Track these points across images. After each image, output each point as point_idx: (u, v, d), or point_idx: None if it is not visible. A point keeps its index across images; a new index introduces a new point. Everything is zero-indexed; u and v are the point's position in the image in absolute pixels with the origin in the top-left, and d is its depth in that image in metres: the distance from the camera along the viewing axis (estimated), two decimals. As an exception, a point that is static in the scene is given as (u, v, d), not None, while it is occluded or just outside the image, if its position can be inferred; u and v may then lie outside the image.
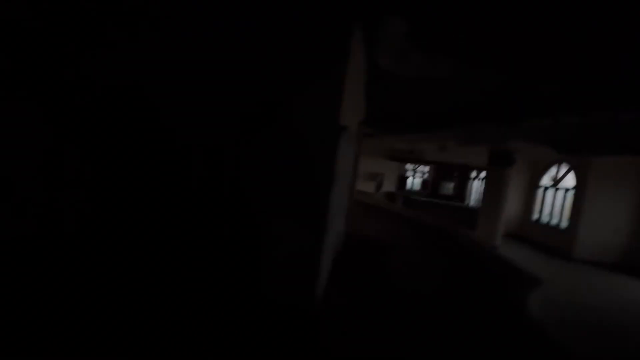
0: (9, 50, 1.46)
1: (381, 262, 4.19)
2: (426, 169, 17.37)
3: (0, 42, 1.43)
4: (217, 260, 2.08)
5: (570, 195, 9.76)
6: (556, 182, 10.66)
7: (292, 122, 1.99)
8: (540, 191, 11.37)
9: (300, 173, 2.03)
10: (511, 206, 10.91)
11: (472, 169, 14.77)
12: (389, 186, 15.60)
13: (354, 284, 3.20)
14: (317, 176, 2.04)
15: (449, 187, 16.64)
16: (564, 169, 10.33)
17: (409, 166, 17.08)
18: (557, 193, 10.57)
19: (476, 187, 15.05)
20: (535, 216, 11.35)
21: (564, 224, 9.86)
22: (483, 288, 3.79)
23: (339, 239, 4.24)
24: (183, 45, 1.89)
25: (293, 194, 2.04)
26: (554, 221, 10.39)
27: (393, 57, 3.88)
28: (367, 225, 6.80)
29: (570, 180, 9.96)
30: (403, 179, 17.01)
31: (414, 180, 17.64)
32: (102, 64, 1.78)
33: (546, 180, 11.18)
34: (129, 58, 1.84)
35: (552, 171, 10.90)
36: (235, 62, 1.96)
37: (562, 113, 5.63)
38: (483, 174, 13.35)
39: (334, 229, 2.95)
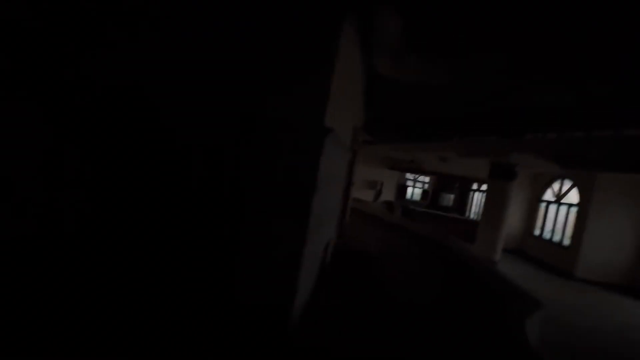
0: (9, 50, 1.51)
1: (374, 273, 4.22)
2: (426, 179, 17.49)
3: (0, 42, 1.48)
4: (213, 261, 2.12)
5: (574, 211, 9.87)
6: (559, 197, 10.79)
7: (278, 121, 2.05)
8: (542, 206, 11.49)
9: (283, 174, 2.07)
10: (512, 221, 11.00)
11: (473, 181, 14.90)
12: (388, 195, 15.69)
13: (345, 292, 3.24)
14: (299, 177, 2.08)
15: (449, 198, 16.76)
16: (567, 184, 10.47)
17: (409, 176, 17.21)
18: (559, 208, 10.68)
19: (477, 199, 15.18)
20: (536, 232, 11.44)
21: (567, 241, 9.94)
22: (478, 306, 3.82)
23: (330, 246, 4.28)
24: (183, 45, 1.95)
25: (277, 195, 2.08)
26: (556, 238, 10.48)
27: (390, 59, 3.94)
28: (363, 235, 6.84)
29: (573, 196, 10.09)
30: (403, 188, 17.11)
31: (414, 190, 17.75)
32: (102, 64, 1.84)
33: (549, 195, 11.31)
34: (129, 58, 1.89)
35: (555, 186, 11.04)
36: (234, 61, 2.03)
37: (565, 128, 5.74)
38: (484, 187, 13.49)
39: (322, 234, 2.99)
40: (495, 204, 9.04)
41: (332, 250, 4.57)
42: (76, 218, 1.84)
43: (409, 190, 17.59)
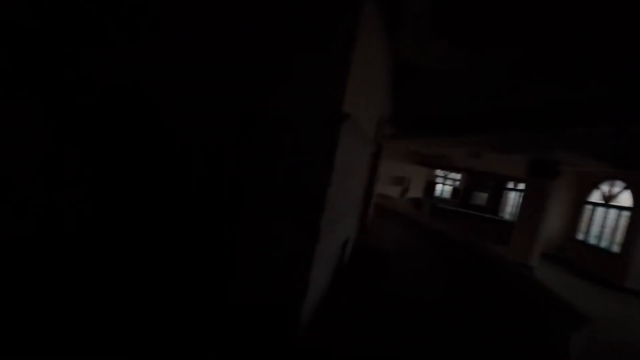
0: (9, 50, 1.54)
1: (391, 274, 4.04)
2: (458, 176, 16.65)
3: (0, 42, 1.50)
4: (213, 261, 2.10)
5: (625, 215, 8.90)
6: (608, 199, 9.79)
7: (278, 120, 1.93)
8: (588, 208, 10.50)
9: (284, 173, 1.97)
10: (552, 223, 10.18)
11: (508, 179, 13.95)
12: (416, 192, 15.16)
13: (358, 292, 3.11)
14: (311, 170, 1.97)
15: (482, 197, 15.85)
16: (618, 185, 9.45)
17: (439, 172, 16.48)
18: (608, 212, 9.70)
19: (512, 199, 14.21)
20: (580, 236, 10.49)
21: (616, 247, 9.02)
22: (513, 322, 3.48)
23: (350, 243, 4.15)
24: (183, 45, 1.91)
25: (277, 195, 1.99)
26: (603, 243, 9.54)
27: (416, 45, 3.66)
28: (386, 233, 6.63)
29: (626, 198, 9.10)
30: (432, 185, 16.44)
31: (444, 188, 16.99)
32: (102, 64, 1.84)
33: (596, 196, 10.30)
34: (129, 58, 1.88)
35: (604, 187, 10.02)
36: (234, 60, 1.95)
37: (624, 119, 4.96)
38: (521, 186, 12.57)
39: (337, 232, 2.88)
40: (533, 205, 8.39)
41: (352, 247, 4.45)
42: (76, 218, 1.88)
43: (439, 187, 16.87)
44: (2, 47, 1.52)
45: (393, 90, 5.56)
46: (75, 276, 1.89)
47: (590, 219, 10.25)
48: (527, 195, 8.75)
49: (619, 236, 8.92)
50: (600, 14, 2.47)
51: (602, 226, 9.73)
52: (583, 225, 10.48)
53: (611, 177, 9.69)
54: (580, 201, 10.71)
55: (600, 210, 9.99)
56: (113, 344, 1.81)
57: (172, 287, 2.11)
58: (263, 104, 1.94)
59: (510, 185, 14.50)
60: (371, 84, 3.05)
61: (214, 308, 2.08)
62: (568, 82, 4.04)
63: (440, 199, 16.21)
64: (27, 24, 1.59)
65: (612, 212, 9.49)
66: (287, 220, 2.03)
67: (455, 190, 16.77)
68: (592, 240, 9.99)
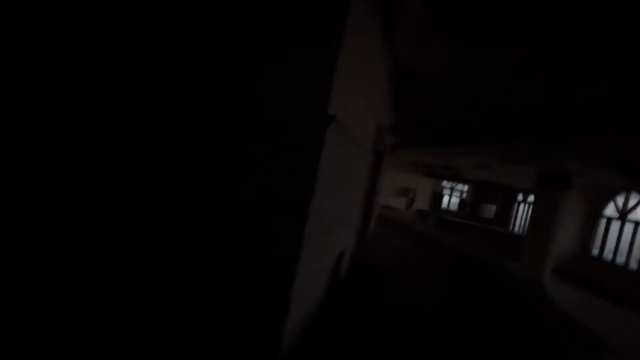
0: (9, 50, 1.59)
1: (390, 291, 3.97)
2: (465, 187, 16.56)
3: (0, 42, 1.56)
4: (213, 261, 2.10)
5: (642, 229, 8.75)
6: (623, 213, 9.64)
7: (278, 121, 1.95)
8: (602, 222, 10.33)
9: (283, 173, 1.97)
10: (565, 237, 10.02)
11: (518, 191, 13.84)
12: (421, 204, 15.08)
13: (353, 315, 3.06)
14: (300, 177, 1.95)
15: (490, 209, 15.68)
16: (635, 197, 9.33)
17: (445, 184, 16.42)
18: (624, 226, 9.53)
19: (522, 211, 14.06)
20: (594, 251, 10.29)
21: (634, 263, 8.83)
22: (523, 348, 3.32)
23: (347, 255, 4.11)
24: (183, 45, 1.96)
25: (277, 195, 1.98)
26: (620, 259, 9.35)
27: (415, 46, 3.67)
28: (388, 245, 6.56)
29: (642, 212, 8.96)
30: (438, 197, 16.34)
31: (451, 200, 16.87)
32: (102, 64, 1.89)
33: (611, 209, 10.15)
34: (129, 58, 1.94)
35: (619, 200, 9.89)
36: (233, 61, 1.99)
37: (624, 120, 4.92)
38: (532, 198, 12.45)
39: (331, 241, 2.85)
40: (544, 218, 8.27)
41: (349, 259, 4.40)
42: (76, 218, 1.90)
43: (445, 199, 16.76)
44: (2, 47, 1.58)
45: (394, 97, 5.60)
46: (75, 276, 1.90)
47: (605, 234, 10.08)
48: (537, 207, 8.64)
49: (637, 252, 8.74)
50: (600, 14, 2.50)
51: (618, 241, 9.55)
52: (598, 240, 10.30)
53: (627, 190, 9.57)
54: (594, 215, 10.55)
55: (615, 225, 9.83)
56: (112, 344, 1.80)
57: (171, 287, 2.10)
58: (263, 104, 1.96)
59: (520, 197, 14.37)
60: (366, 87, 3.06)
61: (211, 309, 2.06)
62: (568, 82, 4.06)
63: (447, 211, 16.08)
64: (27, 24, 1.64)
65: (629, 227, 9.34)
66: (287, 221, 2.02)
67: (462, 202, 16.65)
68: (608, 256, 9.79)
